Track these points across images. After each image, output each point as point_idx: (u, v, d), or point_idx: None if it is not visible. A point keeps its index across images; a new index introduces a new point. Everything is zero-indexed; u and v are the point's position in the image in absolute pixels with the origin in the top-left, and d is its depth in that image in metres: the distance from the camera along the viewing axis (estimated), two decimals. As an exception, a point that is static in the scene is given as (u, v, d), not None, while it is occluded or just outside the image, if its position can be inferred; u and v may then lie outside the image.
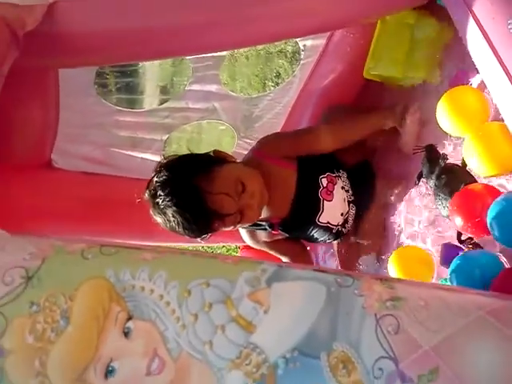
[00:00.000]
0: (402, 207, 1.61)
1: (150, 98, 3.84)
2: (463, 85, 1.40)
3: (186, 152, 1.45)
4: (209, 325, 0.70)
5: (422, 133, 1.55)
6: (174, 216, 1.29)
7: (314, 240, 1.64)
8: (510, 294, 0.86)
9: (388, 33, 1.54)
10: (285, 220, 1.55)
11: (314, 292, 0.73)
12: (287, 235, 1.61)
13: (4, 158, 1.41)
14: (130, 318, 0.71)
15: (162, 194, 1.28)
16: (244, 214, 1.38)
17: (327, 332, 0.69)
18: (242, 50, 2.97)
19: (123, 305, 0.71)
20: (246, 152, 1.82)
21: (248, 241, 1.65)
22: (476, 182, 1.30)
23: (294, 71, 1.95)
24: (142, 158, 1.84)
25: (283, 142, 1.57)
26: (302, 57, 1.83)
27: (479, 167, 1.27)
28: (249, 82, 3.06)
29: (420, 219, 1.55)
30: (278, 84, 2.68)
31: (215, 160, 1.40)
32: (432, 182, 1.38)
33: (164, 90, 3.67)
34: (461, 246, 1.32)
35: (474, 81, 1.38)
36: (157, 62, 3.38)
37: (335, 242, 1.71)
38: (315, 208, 1.54)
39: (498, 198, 1.14)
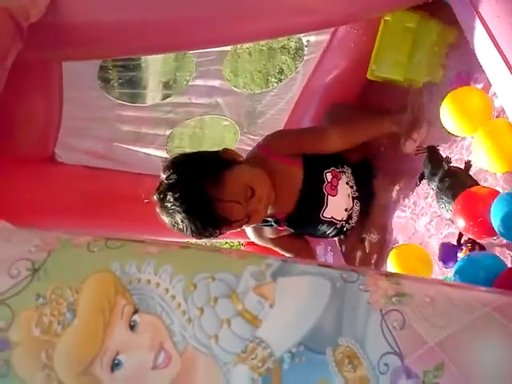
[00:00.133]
0: (403, 205, 1.62)
1: (152, 93, 3.83)
2: (466, 85, 1.40)
3: (191, 149, 1.45)
4: (214, 319, 0.70)
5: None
6: (182, 221, 1.29)
7: (318, 235, 1.64)
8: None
9: (390, 35, 1.54)
10: (290, 215, 1.55)
11: (319, 287, 0.73)
12: (292, 231, 1.61)
13: (7, 151, 1.41)
14: (135, 312, 0.71)
15: (172, 198, 1.28)
16: (251, 218, 1.41)
17: (333, 327, 0.69)
18: (244, 46, 2.97)
19: (129, 298, 0.71)
20: (248, 148, 1.82)
21: (253, 237, 1.65)
22: (478, 185, 1.30)
23: (297, 67, 1.94)
24: (144, 152, 1.84)
25: (290, 140, 1.56)
26: (305, 53, 1.83)
27: (490, 163, 1.27)
28: (252, 78, 3.05)
29: (421, 218, 1.55)
30: (281, 80, 2.68)
31: (225, 162, 1.39)
32: (434, 185, 1.39)
33: (167, 85, 3.66)
34: (461, 246, 1.33)
35: (477, 82, 1.39)
36: (160, 57, 3.37)
37: (337, 238, 1.71)
38: (319, 203, 1.54)
39: (503, 193, 1.14)
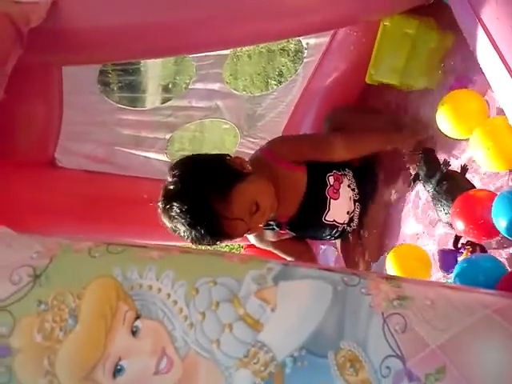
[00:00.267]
0: (402, 207, 1.62)
1: (152, 97, 3.84)
2: (464, 88, 1.41)
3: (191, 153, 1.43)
4: (216, 323, 0.70)
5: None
6: (184, 231, 1.28)
7: (319, 238, 1.65)
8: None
9: (389, 41, 1.55)
10: (292, 219, 1.55)
11: (320, 291, 0.73)
12: (294, 234, 1.61)
13: (7, 155, 1.41)
14: (137, 317, 0.71)
15: (177, 209, 1.26)
16: (252, 230, 1.42)
17: (334, 331, 0.70)
18: (244, 49, 2.97)
19: (131, 304, 0.71)
20: (249, 151, 1.82)
21: (254, 241, 1.65)
22: (475, 188, 1.31)
23: (296, 70, 1.94)
24: (144, 156, 1.84)
25: (295, 148, 1.54)
26: (305, 55, 1.83)
27: (489, 162, 1.28)
28: (251, 81, 3.05)
29: (420, 219, 1.55)
30: (280, 83, 2.68)
31: (234, 176, 1.35)
32: (431, 187, 1.39)
33: (167, 89, 3.66)
34: (458, 250, 1.33)
35: (475, 84, 1.39)
36: (159, 61, 3.37)
37: (338, 241, 1.72)
38: (322, 207, 1.54)
39: (504, 191, 1.15)
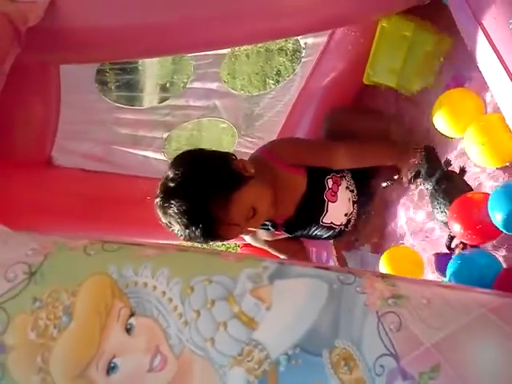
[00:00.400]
0: (400, 208, 1.62)
1: (149, 96, 3.84)
2: (458, 87, 1.42)
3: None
4: (211, 321, 0.70)
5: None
6: (178, 230, 1.28)
7: (314, 238, 1.64)
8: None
9: (386, 42, 1.55)
10: (289, 220, 1.54)
11: (316, 289, 0.73)
12: (289, 235, 1.61)
13: (4, 154, 1.41)
14: (132, 315, 0.71)
15: (175, 209, 1.24)
16: (246, 232, 1.44)
17: (329, 329, 0.70)
18: (242, 48, 2.97)
19: (126, 301, 0.71)
20: (246, 150, 1.82)
21: (248, 238, 1.65)
22: (472, 190, 1.32)
23: (294, 69, 1.94)
24: (142, 155, 1.84)
25: (297, 152, 1.52)
26: (303, 55, 1.83)
27: (484, 158, 1.28)
28: (249, 80, 3.05)
29: (417, 221, 1.56)
30: (278, 82, 2.68)
31: (236, 181, 1.32)
32: (430, 186, 1.39)
33: (164, 88, 3.66)
34: (452, 251, 1.33)
35: (470, 83, 1.40)
36: (157, 60, 3.37)
37: (333, 241, 1.72)
38: (320, 210, 1.54)
39: (498, 187, 1.15)
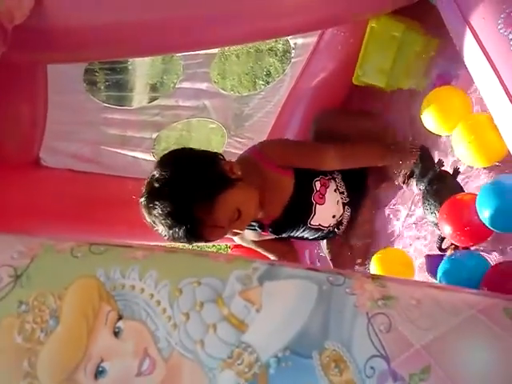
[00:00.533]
0: (392, 209, 1.62)
1: (139, 96, 3.82)
2: (445, 85, 1.42)
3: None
4: (200, 324, 0.70)
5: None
6: (162, 230, 1.27)
7: (302, 239, 1.64)
8: (501, 292, 0.86)
9: (375, 43, 1.56)
10: (276, 222, 1.54)
11: (305, 291, 0.73)
12: (276, 236, 1.61)
13: (-9, 155, 1.40)
14: (120, 318, 0.70)
15: (160, 210, 1.24)
16: (232, 233, 1.43)
17: (319, 331, 0.69)
18: (232, 48, 2.96)
19: (113, 304, 0.71)
20: (236, 151, 1.81)
21: (236, 238, 1.64)
22: (464, 192, 1.32)
23: (284, 69, 1.94)
24: (131, 156, 1.83)
25: (287, 153, 1.52)
26: (292, 55, 1.83)
27: (471, 158, 1.28)
28: (239, 81, 3.04)
29: (409, 221, 1.56)
30: (268, 82, 2.67)
31: (222, 182, 1.31)
32: (423, 186, 1.39)
33: (154, 88, 3.64)
34: (443, 252, 1.34)
35: (457, 81, 1.41)
36: (147, 59, 3.35)
37: (324, 241, 1.71)
38: (307, 212, 1.54)
39: (486, 184, 1.15)
